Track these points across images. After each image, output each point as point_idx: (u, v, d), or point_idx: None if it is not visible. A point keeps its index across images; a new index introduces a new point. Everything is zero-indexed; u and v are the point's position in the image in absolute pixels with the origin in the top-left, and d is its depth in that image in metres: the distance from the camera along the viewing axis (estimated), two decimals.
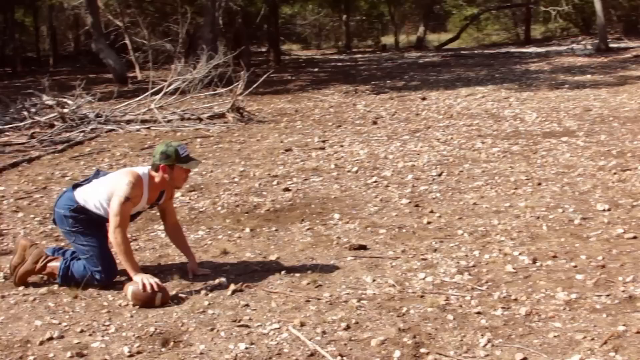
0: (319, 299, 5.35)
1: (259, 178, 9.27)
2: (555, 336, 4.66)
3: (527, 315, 4.99)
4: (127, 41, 22.80)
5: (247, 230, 7.12)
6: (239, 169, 9.79)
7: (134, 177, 5.61)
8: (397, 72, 22.38)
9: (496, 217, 7.29)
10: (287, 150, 10.90)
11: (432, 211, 7.57)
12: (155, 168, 5.72)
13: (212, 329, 4.90)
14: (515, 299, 5.27)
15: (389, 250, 6.45)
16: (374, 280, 5.70)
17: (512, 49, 30.49)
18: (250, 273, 5.94)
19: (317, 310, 5.16)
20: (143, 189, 5.69)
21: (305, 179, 9.12)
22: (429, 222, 7.19)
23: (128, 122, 13.76)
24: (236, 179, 9.25)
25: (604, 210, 7.38)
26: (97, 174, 6.00)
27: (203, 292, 5.54)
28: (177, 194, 8.49)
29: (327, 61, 28.10)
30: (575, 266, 5.92)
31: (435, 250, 6.37)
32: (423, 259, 6.16)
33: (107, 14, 23.12)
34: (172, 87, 14.55)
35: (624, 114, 12.96)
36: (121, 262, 5.65)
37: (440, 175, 9.07)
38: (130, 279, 5.54)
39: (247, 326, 4.94)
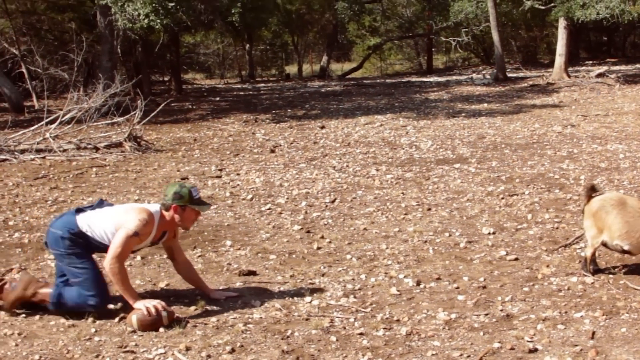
0: (205, 324, 5.47)
1: None
2: (433, 354, 4.89)
3: (408, 335, 5.21)
4: (23, 69, 22.47)
5: (139, 258, 7.17)
6: (134, 198, 9.81)
7: (147, 215, 5.64)
8: (299, 101, 22.65)
9: (385, 241, 7.54)
10: (183, 179, 10.96)
11: (322, 237, 7.76)
12: (167, 207, 5.74)
13: (97, 356, 4.97)
14: (398, 320, 5.50)
15: (278, 275, 6.60)
16: (261, 305, 5.84)
17: (414, 79, 31.17)
18: None
19: (204, 334, 5.28)
20: (153, 227, 5.71)
21: None
22: (319, 248, 7.38)
23: (22, 151, 13.58)
24: None
25: (489, 233, 7.71)
26: (101, 203, 5.97)
27: (90, 319, 5.58)
28: None
29: (230, 90, 28.20)
30: (457, 287, 6.19)
31: (323, 275, 6.56)
32: (311, 283, 6.34)
33: (3, 41, 22.72)
34: (68, 116, 14.41)
35: (516, 141, 13.47)
36: (119, 291, 5.65)
37: (333, 202, 9.29)
38: (130, 308, 5.53)
39: (132, 352, 5.03)
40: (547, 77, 26.27)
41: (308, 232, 8.00)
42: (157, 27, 18.19)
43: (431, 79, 29.95)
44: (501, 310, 5.64)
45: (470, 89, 24.46)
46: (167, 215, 5.76)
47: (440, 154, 12.47)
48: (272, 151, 13.33)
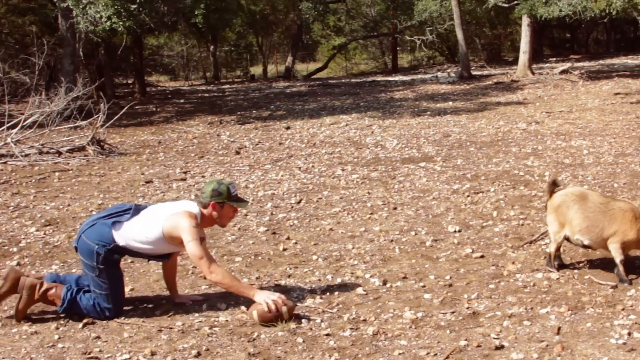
0: (171, 328, 5.44)
1: None
2: (400, 353, 4.90)
3: (375, 335, 5.21)
4: None
5: None
6: (97, 202, 9.72)
7: (194, 219, 5.58)
8: (264, 102, 22.63)
9: (351, 241, 7.55)
10: (147, 182, 10.89)
11: (288, 238, 7.76)
12: (205, 205, 5.72)
13: None
14: (364, 320, 5.50)
15: (244, 277, 6.58)
16: (227, 308, 5.82)
17: (379, 78, 31.26)
18: None
19: (169, 339, 5.25)
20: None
21: None
22: (285, 249, 7.37)
23: None
24: (94, 213, 9.19)
25: (454, 231, 7.75)
26: (137, 209, 5.82)
27: (53, 326, 5.53)
28: (32, 229, 8.42)
29: (194, 92, 28.10)
30: (423, 286, 6.22)
31: (289, 276, 6.55)
32: (277, 285, 6.32)
33: None
34: (29, 120, 14.27)
35: (481, 139, 13.56)
36: (235, 292, 5.64)
37: (299, 202, 9.28)
38: (250, 302, 5.54)
39: (97, 358, 4.99)
40: (511, 75, 26.49)
41: (274, 233, 7.98)
42: (120, 29, 18.07)
43: (396, 78, 30.07)
44: (467, 308, 5.67)
45: (435, 88, 24.59)
46: (206, 212, 5.74)
47: (405, 153, 12.52)
48: (237, 153, 13.30)
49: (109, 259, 5.64)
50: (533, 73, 25.98)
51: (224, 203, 5.73)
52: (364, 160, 11.99)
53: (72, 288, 5.70)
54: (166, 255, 5.85)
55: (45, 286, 5.72)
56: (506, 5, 26.90)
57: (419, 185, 9.98)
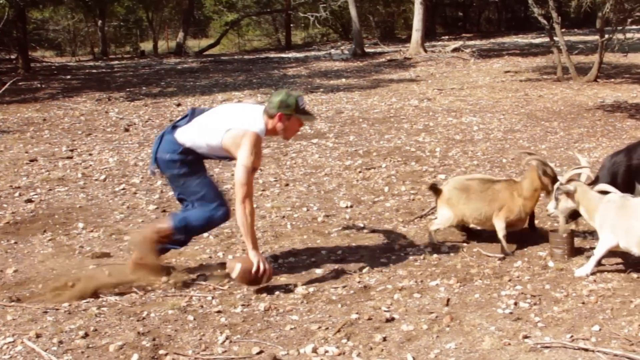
0: (57, 309, 5.34)
1: (0, 190, 8.99)
2: (291, 328, 4.96)
3: (266, 311, 5.25)
4: None
5: None
6: None
7: (255, 144, 5.48)
8: (154, 78, 22.29)
9: None
10: (31, 161, 10.62)
11: None
12: (271, 115, 5.62)
13: None
14: (256, 296, 5.52)
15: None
16: (115, 287, 5.75)
17: (272, 55, 31.22)
18: None
19: (55, 320, 5.15)
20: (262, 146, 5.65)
21: (50, 190, 8.95)
22: None
23: None
24: None
25: (346, 207, 7.86)
26: (193, 112, 5.82)
27: None
28: None
29: (82, 68, 27.45)
30: (315, 261, 6.29)
31: (180, 254, 6.50)
32: (167, 263, 6.27)
33: None
34: None
35: (373, 116, 13.73)
36: (242, 234, 5.56)
37: None
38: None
39: None
40: (404, 52, 26.85)
41: (164, 211, 7.92)
42: (1, 1, 17.49)
43: (290, 55, 30.08)
44: (359, 282, 5.77)
45: (329, 65, 24.72)
46: (271, 123, 5.65)
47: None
48: (127, 130, 13.09)
49: (187, 161, 5.64)
50: (426, 51, 26.40)
51: (291, 115, 5.65)
52: None
53: (176, 213, 5.77)
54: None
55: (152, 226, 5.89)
56: None
57: (311, 161, 10.06)
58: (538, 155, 6.89)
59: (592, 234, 6.68)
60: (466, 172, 9.16)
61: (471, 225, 6.67)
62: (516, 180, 6.75)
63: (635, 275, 5.77)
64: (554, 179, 6.32)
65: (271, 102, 5.64)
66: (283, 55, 30.51)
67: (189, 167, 5.67)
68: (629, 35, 17.83)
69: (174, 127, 5.75)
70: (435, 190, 6.62)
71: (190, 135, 5.64)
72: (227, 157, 5.75)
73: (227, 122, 5.58)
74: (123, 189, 8.90)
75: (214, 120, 5.67)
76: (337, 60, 26.18)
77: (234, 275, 5.49)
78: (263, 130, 5.59)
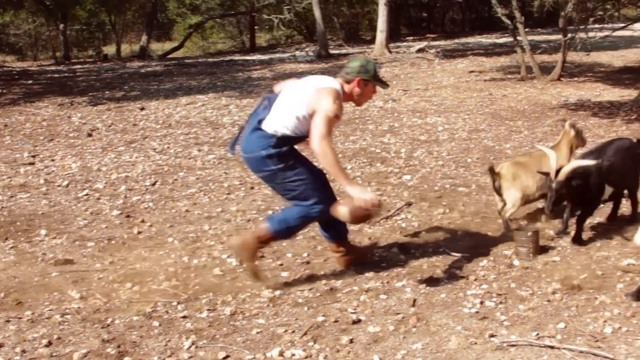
0: (19, 318, 5.29)
1: None
2: (258, 332, 4.95)
3: (232, 315, 5.24)
4: None
5: None
6: None
7: (338, 96, 5.42)
8: (117, 82, 22.12)
9: (207, 222, 7.54)
10: None
11: (143, 221, 7.67)
12: (348, 80, 5.62)
13: None
14: (222, 301, 5.51)
15: (97, 262, 6.48)
16: (79, 294, 5.71)
17: (237, 57, 31.12)
18: None
19: (18, 329, 5.10)
20: (343, 105, 5.57)
21: (12, 196, 8.85)
22: (139, 232, 7.29)
23: None
24: None
25: None
26: (269, 100, 5.66)
27: None
28: None
29: (44, 72, 27.18)
30: (281, 264, 6.30)
31: (144, 260, 6.49)
32: (131, 269, 6.25)
33: None
34: None
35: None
36: (329, 173, 5.53)
37: (154, 184, 9.18)
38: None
39: None
40: (369, 53, 26.89)
41: (128, 216, 7.87)
42: None
43: (254, 57, 30.01)
44: (325, 284, 5.77)
45: (294, 67, 24.71)
46: (348, 88, 5.63)
47: None
48: (90, 135, 12.98)
49: (282, 154, 5.51)
50: (390, 52, 26.48)
51: (369, 81, 5.66)
52: (221, 140, 11.93)
53: (272, 215, 5.72)
54: None
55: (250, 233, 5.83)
56: None
57: None
58: (567, 118, 7.63)
59: (559, 234, 6.76)
60: (432, 173, 9.21)
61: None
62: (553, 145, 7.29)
63: (599, 272, 5.83)
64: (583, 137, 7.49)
65: (349, 67, 5.65)
66: (247, 57, 30.43)
67: (285, 161, 5.54)
68: (591, 34, 18.02)
69: (259, 120, 5.56)
70: (496, 173, 6.89)
71: (278, 119, 5.49)
72: None
73: (308, 89, 5.52)
74: (86, 194, 8.83)
75: (295, 93, 5.57)
76: (302, 62, 26.17)
77: (346, 219, 5.42)
78: (340, 89, 5.56)
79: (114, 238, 7.16)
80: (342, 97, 5.56)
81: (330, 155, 5.34)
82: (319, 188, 5.67)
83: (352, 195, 5.32)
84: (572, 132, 7.32)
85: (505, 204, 6.91)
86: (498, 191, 6.92)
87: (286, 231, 5.69)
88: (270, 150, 5.49)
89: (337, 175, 5.38)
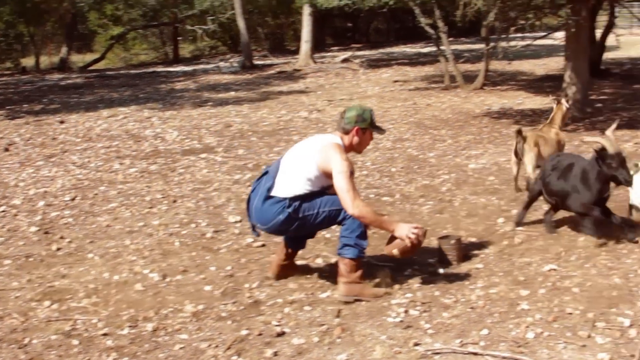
0: None
1: None
2: (181, 348, 4.91)
3: (154, 331, 5.18)
4: None
5: None
6: None
7: (342, 151, 5.57)
8: (36, 95, 21.74)
9: (129, 237, 7.45)
10: None
11: (62, 237, 7.54)
12: (347, 131, 5.74)
13: None
14: (144, 317, 5.44)
15: (14, 281, 6.34)
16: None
17: (160, 69, 30.88)
18: None
19: None
20: None
21: None
22: (58, 249, 7.17)
23: None
24: None
25: (235, 222, 7.83)
26: (268, 171, 5.85)
27: None
28: None
29: None
30: (204, 278, 6.25)
31: (63, 277, 6.37)
32: (50, 287, 6.14)
33: None
34: None
35: (263, 128, 13.74)
36: (378, 227, 5.73)
37: (73, 199, 9.04)
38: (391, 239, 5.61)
39: None
40: (293, 64, 26.98)
41: (46, 233, 7.74)
42: None
43: (178, 69, 29.84)
44: (249, 297, 5.75)
45: (218, 78, 24.63)
46: (347, 139, 5.74)
47: (186, 145, 12.47)
48: (7, 150, 12.72)
49: (297, 207, 5.60)
50: (315, 62, 26.62)
51: (367, 129, 5.78)
52: (143, 153, 11.82)
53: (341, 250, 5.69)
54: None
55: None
56: None
57: (199, 176, 10.00)
58: (559, 97, 9.63)
59: (482, 240, 6.87)
60: (356, 182, 9.24)
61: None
62: (549, 119, 9.12)
63: (522, 277, 5.93)
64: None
65: (346, 118, 5.77)
66: (171, 69, 30.24)
67: (302, 205, 5.62)
68: (512, 43, 18.36)
69: (268, 189, 5.68)
70: (523, 136, 8.33)
71: (288, 183, 5.64)
72: (331, 184, 5.64)
73: (311, 149, 5.67)
74: (3, 211, 8.65)
75: (299, 155, 5.74)
76: (226, 73, 26.11)
77: (399, 257, 5.65)
78: (341, 144, 5.69)
79: (32, 255, 7.02)
80: (345, 148, 5.70)
81: (369, 214, 5.48)
82: (334, 200, 5.64)
83: (399, 236, 5.53)
84: (564, 107, 9.06)
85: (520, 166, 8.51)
86: (518, 153, 8.37)
87: (360, 247, 5.69)
88: (286, 212, 5.60)
89: (381, 226, 5.66)
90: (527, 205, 7.32)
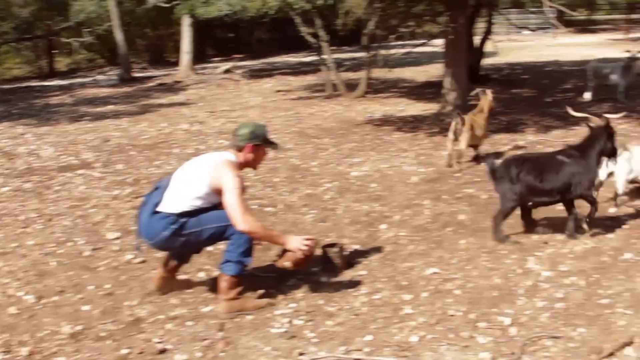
0: None
1: None
2: None
3: (30, 356, 5.07)
4: None
5: None
6: None
7: (234, 168, 5.61)
8: None
9: (2, 259, 7.22)
10: None
11: None
12: (240, 148, 5.78)
13: None
14: (18, 341, 5.29)
15: None
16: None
17: (34, 83, 30.10)
18: None
19: None
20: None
21: None
22: None
23: None
24: None
25: (115, 238, 7.70)
26: (159, 186, 5.84)
27: None
28: None
29: None
30: (82, 298, 6.12)
31: None
32: None
33: None
34: None
35: (142, 142, 13.55)
36: (268, 241, 5.88)
37: None
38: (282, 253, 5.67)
39: None
40: (174, 76, 26.74)
41: None
42: None
43: (53, 83, 29.13)
44: (129, 315, 5.67)
45: (96, 91, 24.16)
46: (241, 156, 5.80)
47: (62, 161, 12.17)
48: None
49: (182, 224, 5.60)
50: (196, 73, 26.44)
51: (260, 145, 5.86)
52: (17, 171, 11.47)
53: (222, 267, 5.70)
54: None
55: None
56: (166, 5, 27.04)
57: (76, 193, 9.77)
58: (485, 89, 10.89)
59: (365, 247, 6.95)
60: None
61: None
62: (478, 107, 10.64)
63: (405, 282, 6.03)
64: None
65: (240, 135, 5.82)
66: (46, 83, 29.51)
67: (188, 224, 5.62)
68: (393, 51, 18.68)
69: (155, 205, 5.68)
70: (462, 118, 10.01)
71: (177, 200, 5.65)
72: (221, 201, 5.59)
73: (203, 167, 5.69)
74: None
75: (190, 173, 5.74)
76: (104, 87, 25.66)
77: (292, 269, 5.71)
78: (235, 160, 5.72)
79: None
80: (239, 165, 5.74)
81: (259, 229, 5.52)
82: (221, 216, 5.63)
83: (290, 249, 5.61)
84: (490, 97, 10.59)
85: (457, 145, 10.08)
86: (457, 133, 9.99)
87: (243, 264, 5.70)
88: (172, 228, 5.60)
89: (272, 240, 5.77)
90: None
